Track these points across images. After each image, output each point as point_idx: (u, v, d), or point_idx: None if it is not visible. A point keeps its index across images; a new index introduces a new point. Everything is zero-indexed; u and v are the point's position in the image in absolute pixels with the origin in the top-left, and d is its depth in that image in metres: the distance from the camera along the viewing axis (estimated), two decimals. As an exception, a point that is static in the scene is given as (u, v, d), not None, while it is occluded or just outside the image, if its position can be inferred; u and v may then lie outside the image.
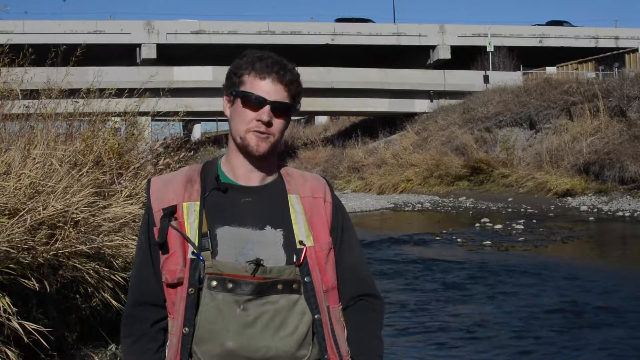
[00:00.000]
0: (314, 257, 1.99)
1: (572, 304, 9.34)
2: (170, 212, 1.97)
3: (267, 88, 1.97)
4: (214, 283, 1.92)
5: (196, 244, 1.93)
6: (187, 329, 1.93)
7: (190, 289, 1.93)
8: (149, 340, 2.01)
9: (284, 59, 2.02)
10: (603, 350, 7.29)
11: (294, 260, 1.96)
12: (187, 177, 2.04)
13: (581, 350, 7.34)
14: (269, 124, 1.97)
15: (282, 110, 1.98)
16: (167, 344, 2.00)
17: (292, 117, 2.09)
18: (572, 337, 7.82)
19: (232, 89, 2.01)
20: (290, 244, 1.97)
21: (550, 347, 7.48)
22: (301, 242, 1.98)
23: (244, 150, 2.00)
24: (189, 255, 1.94)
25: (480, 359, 7.17)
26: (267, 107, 1.96)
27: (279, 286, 1.94)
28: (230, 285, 1.91)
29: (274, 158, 2.06)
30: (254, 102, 1.97)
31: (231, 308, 1.91)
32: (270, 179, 2.06)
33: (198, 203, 1.98)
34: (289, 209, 2.02)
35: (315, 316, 1.97)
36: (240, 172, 2.03)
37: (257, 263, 1.91)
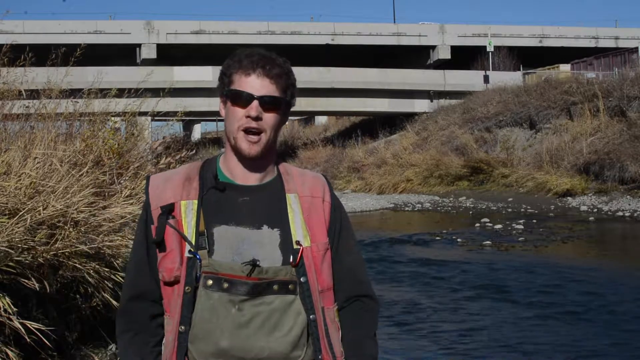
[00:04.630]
0: (310, 258, 1.98)
1: (572, 304, 9.36)
2: (168, 210, 1.97)
3: (253, 83, 1.95)
4: (210, 282, 1.91)
5: (193, 243, 1.93)
6: (183, 327, 1.93)
7: (187, 288, 1.92)
8: (149, 334, 2.00)
9: (274, 54, 2.00)
10: (603, 350, 7.30)
11: (290, 260, 1.95)
12: (186, 175, 2.03)
13: (580, 349, 7.35)
14: (257, 119, 1.95)
15: (271, 104, 1.96)
16: (163, 341, 2.00)
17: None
18: (572, 336, 7.83)
19: (223, 90, 2.01)
20: (286, 244, 1.96)
21: (549, 346, 7.49)
22: (298, 243, 1.97)
23: (237, 152, 1.99)
24: (186, 254, 1.93)
25: (477, 358, 7.18)
26: (254, 103, 1.94)
27: (275, 287, 1.93)
28: (226, 285, 1.91)
29: (271, 157, 2.04)
30: (242, 99, 1.95)
31: (226, 308, 1.90)
32: (268, 178, 2.05)
33: (196, 202, 1.98)
34: (287, 208, 2.01)
35: (310, 317, 1.96)
36: (238, 171, 2.02)
37: (253, 264, 1.90)
